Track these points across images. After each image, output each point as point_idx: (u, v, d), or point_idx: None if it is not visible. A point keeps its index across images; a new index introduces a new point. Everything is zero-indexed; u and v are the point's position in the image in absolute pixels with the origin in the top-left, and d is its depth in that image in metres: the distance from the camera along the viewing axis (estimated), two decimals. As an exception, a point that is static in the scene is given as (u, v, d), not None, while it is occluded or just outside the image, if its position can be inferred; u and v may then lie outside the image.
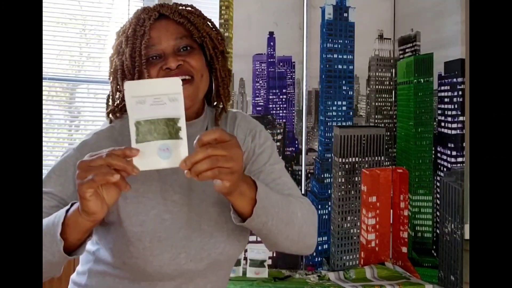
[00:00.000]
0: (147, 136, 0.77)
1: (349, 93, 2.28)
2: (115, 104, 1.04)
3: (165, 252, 0.95)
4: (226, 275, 1.09)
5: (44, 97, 2.37)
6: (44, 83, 2.34)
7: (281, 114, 2.25)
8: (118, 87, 1.01)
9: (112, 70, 1.02)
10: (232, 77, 2.21)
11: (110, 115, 1.04)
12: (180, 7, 0.98)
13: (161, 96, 0.77)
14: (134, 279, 0.98)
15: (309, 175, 2.24)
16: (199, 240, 0.98)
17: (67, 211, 0.84)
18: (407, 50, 2.24)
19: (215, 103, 1.07)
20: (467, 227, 1.91)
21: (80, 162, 0.78)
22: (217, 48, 0.99)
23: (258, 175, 1.04)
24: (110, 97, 1.05)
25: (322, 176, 2.24)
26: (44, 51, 2.30)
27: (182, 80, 0.82)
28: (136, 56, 0.94)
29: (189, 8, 1.00)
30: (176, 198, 0.98)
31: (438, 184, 2.04)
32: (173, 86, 0.77)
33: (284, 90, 2.26)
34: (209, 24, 1.00)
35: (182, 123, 0.77)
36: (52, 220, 0.85)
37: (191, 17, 0.97)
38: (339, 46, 2.27)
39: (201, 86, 0.97)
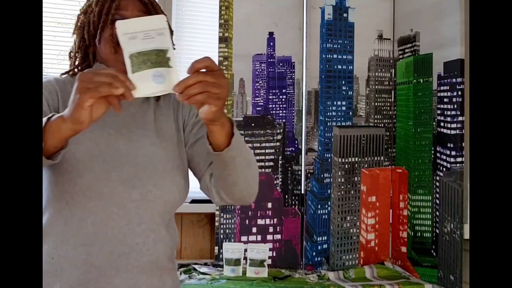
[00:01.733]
0: (141, 66, 0.84)
1: (349, 93, 2.29)
2: (76, 64, 1.14)
3: (96, 165, 1.00)
4: (162, 214, 1.08)
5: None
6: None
7: (280, 114, 2.25)
8: (81, 43, 1.12)
9: (77, 26, 1.13)
10: (232, 77, 2.21)
11: (68, 74, 1.13)
12: None
13: (149, 31, 0.85)
14: (74, 203, 1.01)
15: (309, 175, 2.25)
16: (134, 169, 1.03)
17: (49, 118, 0.88)
18: (406, 50, 2.24)
19: None
20: (466, 227, 1.91)
21: (83, 73, 0.83)
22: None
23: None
24: (72, 53, 1.15)
25: (322, 176, 2.24)
26: (44, 51, 2.30)
27: None
28: (103, 15, 1.07)
29: None
30: (113, 132, 1.06)
31: (437, 184, 2.04)
32: (159, 22, 0.87)
33: (284, 90, 2.26)
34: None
35: (171, 54, 0.86)
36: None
37: (153, 2, 1.18)
38: (339, 46, 2.27)
39: None
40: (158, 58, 0.84)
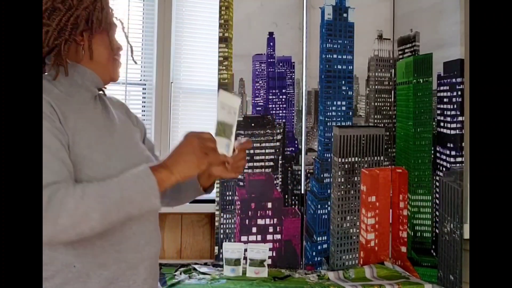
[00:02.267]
0: (221, 133, 1.07)
1: (349, 93, 2.29)
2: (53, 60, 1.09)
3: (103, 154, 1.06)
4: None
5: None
6: (44, 83, 2.33)
7: (280, 114, 2.26)
8: (77, 38, 1.10)
9: (74, 19, 1.09)
10: (232, 77, 2.21)
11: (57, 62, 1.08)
12: None
13: (232, 108, 1.08)
14: None
15: (309, 175, 2.25)
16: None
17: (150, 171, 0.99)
18: (406, 50, 2.24)
19: None
20: (466, 227, 1.91)
21: (195, 138, 1.02)
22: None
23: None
24: (50, 42, 1.07)
25: (322, 176, 2.24)
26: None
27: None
28: (106, 18, 1.15)
29: None
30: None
31: (437, 184, 2.04)
32: (238, 103, 1.10)
33: (283, 90, 2.26)
34: None
35: (234, 130, 1.09)
36: (132, 180, 0.97)
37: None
38: (339, 46, 2.27)
39: None
40: (230, 131, 1.08)
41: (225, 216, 2.19)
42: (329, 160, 2.25)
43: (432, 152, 2.07)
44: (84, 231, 0.93)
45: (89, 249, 1.01)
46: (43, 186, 0.90)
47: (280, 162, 2.25)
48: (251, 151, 2.21)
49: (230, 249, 2.07)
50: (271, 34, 2.25)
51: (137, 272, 1.07)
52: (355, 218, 2.26)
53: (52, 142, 0.97)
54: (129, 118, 1.25)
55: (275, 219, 2.21)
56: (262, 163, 2.22)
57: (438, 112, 2.04)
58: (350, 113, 2.29)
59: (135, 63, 1.29)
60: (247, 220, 2.19)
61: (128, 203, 0.95)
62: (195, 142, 1.00)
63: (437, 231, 2.04)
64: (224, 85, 2.19)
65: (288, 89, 2.27)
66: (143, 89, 2.40)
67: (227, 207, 2.19)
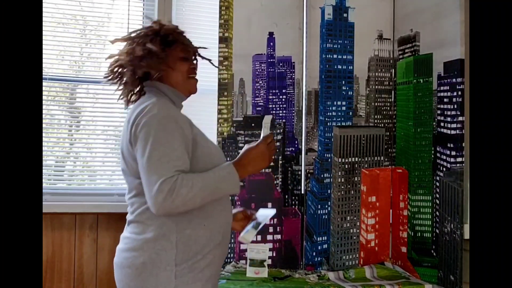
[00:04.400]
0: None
1: (349, 93, 2.29)
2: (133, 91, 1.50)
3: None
4: None
5: (44, 97, 2.36)
6: (44, 83, 2.33)
7: (280, 114, 2.26)
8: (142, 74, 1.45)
9: (138, 57, 1.43)
10: (232, 77, 2.21)
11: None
12: None
13: (266, 124, 1.51)
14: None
15: (309, 175, 2.25)
16: None
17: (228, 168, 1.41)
18: (406, 50, 2.24)
19: None
20: (466, 227, 1.91)
21: (269, 143, 1.47)
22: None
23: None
24: (129, 82, 1.46)
25: (322, 176, 2.24)
26: (44, 51, 2.29)
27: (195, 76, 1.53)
28: (187, 49, 1.53)
29: None
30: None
31: (437, 184, 2.04)
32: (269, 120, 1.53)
33: (283, 90, 2.26)
34: None
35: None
36: (220, 174, 1.38)
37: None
38: (339, 46, 2.27)
39: None
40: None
41: (225, 216, 2.19)
42: (329, 160, 2.25)
43: (432, 152, 2.07)
44: (191, 208, 1.33)
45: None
46: (173, 171, 1.28)
47: (280, 162, 2.25)
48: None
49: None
50: (271, 34, 2.25)
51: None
52: (355, 218, 2.26)
53: (181, 143, 1.33)
54: None
55: (275, 219, 2.21)
56: (262, 163, 2.22)
57: (438, 112, 2.04)
58: (350, 113, 2.29)
59: None
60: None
61: (220, 191, 1.38)
62: (266, 154, 1.46)
63: (437, 231, 2.04)
64: (224, 85, 2.19)
65: (288, 89, 2.27)
66: (143, 89, 2.40)
67: (227, 207, 2.19)
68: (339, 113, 2.28)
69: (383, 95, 2.32)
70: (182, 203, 1.28)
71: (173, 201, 1.26)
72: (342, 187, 2.25)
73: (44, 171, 2.29)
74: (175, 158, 1.29)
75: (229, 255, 2.18)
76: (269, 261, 2.13)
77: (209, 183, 1.34)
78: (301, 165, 2.26)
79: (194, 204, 1.32)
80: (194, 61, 1.55)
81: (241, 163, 1.42)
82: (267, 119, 1.51)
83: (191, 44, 1.56)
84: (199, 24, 2.48)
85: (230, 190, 1.42)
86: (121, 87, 1.47)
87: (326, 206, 2.24)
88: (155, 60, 1.41)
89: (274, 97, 2.25)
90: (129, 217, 1.42)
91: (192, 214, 1.36)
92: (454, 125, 1.95)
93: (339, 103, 2.28)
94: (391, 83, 2.32)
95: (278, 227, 2.22)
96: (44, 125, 2.34)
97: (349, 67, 2.29)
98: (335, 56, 2.27)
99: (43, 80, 2.31)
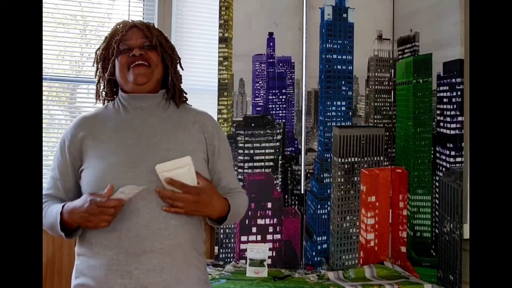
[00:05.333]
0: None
1: (348, 94, 2.29)
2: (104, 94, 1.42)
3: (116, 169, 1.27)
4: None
5: (44, 97, 2.37)
6: (44, 83, 2.34)
7: (280, 114, 2.26)
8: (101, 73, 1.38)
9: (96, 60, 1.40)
10: (232, 77, 2.21)
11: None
12: (146, 22, 1.40)
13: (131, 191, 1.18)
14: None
15: (309, 175, 2.25)
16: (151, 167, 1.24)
17: (61, 213, 1.22)
18: (406, 51, 2.24)
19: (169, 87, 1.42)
20: (466, 227, 1.91)
21: (93, 207, 1.15)
22: (166, 51, 1.37)
23: (217, 173, 1.38)
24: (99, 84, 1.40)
25: (322, 176, 2.24)
26: (44, 51, 2.30)
27: (141, 64, 1.31)
28: (114, 48, 1.34)
29: (152, 24, 1.40)
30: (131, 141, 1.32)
31: (437, 184, 2.04)
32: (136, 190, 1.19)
33: (283, 90, 2.26)
34: (163, 35, 1.40)
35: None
36: (53, 216, 1.23)
37: (151, 29, 1.37)
38: (339, 46, 2.27)
39: (155, 72, 1.35)
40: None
41: (225, 216, 2.19)
42: (329, 160, 2.25)
43: (432, 152, 2.08)
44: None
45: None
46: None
47: (280, 162, 2.25)
48: (251, 151, 2.21)
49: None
50: (271, 34, 2.25)
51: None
52: (355, 218, 2.26)
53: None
54: None
55: (275, 219, 2.21)
56: (262, 163, 2.22)
57: (438, 112, 2.04)
58: (350, 113, 2.29)
59: None
60: (247, 220, 2.19)
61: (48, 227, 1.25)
62: (89, 212, 1.17)
63: (436, 231, 2.04)
64: (224, 85, 2.19)
65: (288, 89, 2.27)
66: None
67: (227, 207, 2.19)
68: (339, 113, 2.28)
69: (382, 95, 2.32)
70: None
71: None
72: (342, 187, 2.25)
73: (44, 171, 2.29)
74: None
75: (229, 255, 2.19)
76: (269, 261, 2.13)
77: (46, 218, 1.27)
78: (301, 165, 2.26)
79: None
80: (138, 52, 1.32)
81: (72, 211, 1.20)
82: (132, 189, 1.16)
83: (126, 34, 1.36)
84: (199, 24, 2.48)
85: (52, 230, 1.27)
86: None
87: (326, 206, 2.24)
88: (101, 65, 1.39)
89: (274, 97, 2.25)
90: None
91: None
92: (453, 125, 1.95)
93: (338, 103, 2.28)
94: (390, 83, 2.33)
95: (278, 227, 2.22)
96: (44, 125, 2.34)
97: (349, 67, 2.29)
98: (334, 56, 2.27)
99: (43, 80, 2.31)
